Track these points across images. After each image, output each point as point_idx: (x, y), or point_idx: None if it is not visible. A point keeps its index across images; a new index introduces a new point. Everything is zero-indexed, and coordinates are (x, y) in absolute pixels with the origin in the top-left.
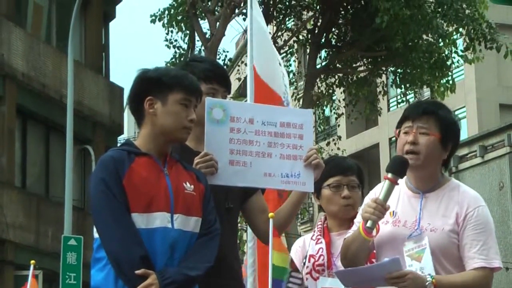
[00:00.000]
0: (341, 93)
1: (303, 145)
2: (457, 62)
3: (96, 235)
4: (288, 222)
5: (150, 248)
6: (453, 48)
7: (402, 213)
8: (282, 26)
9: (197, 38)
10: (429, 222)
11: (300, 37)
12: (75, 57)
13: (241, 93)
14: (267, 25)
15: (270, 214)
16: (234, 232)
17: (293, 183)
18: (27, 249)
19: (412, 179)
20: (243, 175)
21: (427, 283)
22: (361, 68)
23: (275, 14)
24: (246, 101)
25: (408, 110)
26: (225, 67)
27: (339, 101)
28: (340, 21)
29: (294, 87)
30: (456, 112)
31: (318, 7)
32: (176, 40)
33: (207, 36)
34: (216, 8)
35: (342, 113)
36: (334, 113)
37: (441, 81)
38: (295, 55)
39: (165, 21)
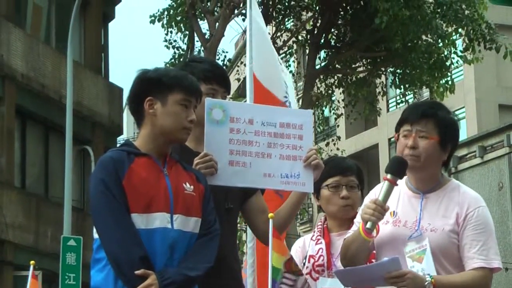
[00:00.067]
0: (340, 93)
1: (302, 145)
2: (457, 62)
3: (95, 235)
4: (287, 222)
5: (149, 249)
6: (452, 48)
7: (402, 213)
8: (282, 26)
9: (196, 38)
10: (430, 222)
11: (300, 37)
12: (74, 58)
13: (240, 94)
14: (266, 25)
15: (270, 215)
16: (234, 232)
17: (293, 183)
18: (27, 249)
19: (413, 180)
20: (243, 176)
21: (426, 283)
22: (361, 69)
23: (274, 15)
24: (245, 101)
25: (406, 112)
26: (224, 67)
27: (338, 101)
28: (339, 22)
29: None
30: (455, 113)
31: (317, 8)
32: (175, 41)
33: (206, 36)
34: (216, 8)
35: (342, 114)
36: (333, 113)
37: (441, 82)
38: (295, 55)
39: (165, 22)
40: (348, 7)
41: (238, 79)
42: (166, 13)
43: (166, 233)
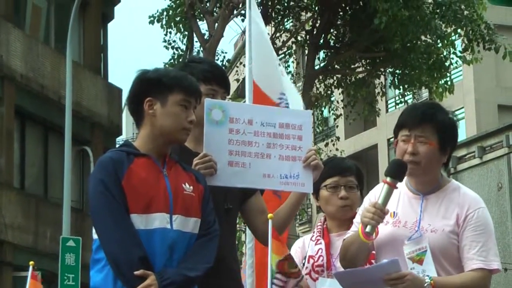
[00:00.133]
0: (339, 94)
1: (302, 146)
2: (456, 63)
3: (95, 236)
4: (287, 223)
5: (149, 249)
6: (451, 49)
7: (402, 214)
8: (281, 27)
9: (195, 39)
10: (430, 223)
11: (299, 38)
12: (73, 58)
13: (239, 94)
14: (265, 26)
15: (269, 215)
16: (233, 233)
17: (292, 184)
18: (26, 250)
19: (413, 182)
20: (242, 176)
21: (425, 284)
22: (360, 69)
23: (273, 15)
24: (244, 102)
25: (404, 116)
26: (223, 68)
27: (337, 102)
28: (338, 22)
29: None
30: (455, 113)
31: (316, 8)
32: (174, 41)
33: (205, 37)
34: (215, 9)
35: (341, 114)
36: (332, 114)
37: (440, 82)
38: (294, 56)
39: (164, 22)
40: (347, 8)
41: (237, 80)
42: (165, 13)
43: (166, 234)
